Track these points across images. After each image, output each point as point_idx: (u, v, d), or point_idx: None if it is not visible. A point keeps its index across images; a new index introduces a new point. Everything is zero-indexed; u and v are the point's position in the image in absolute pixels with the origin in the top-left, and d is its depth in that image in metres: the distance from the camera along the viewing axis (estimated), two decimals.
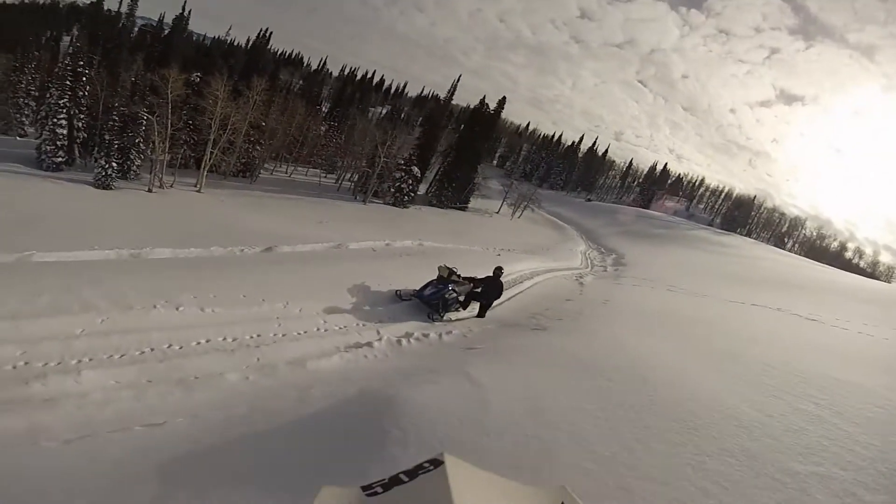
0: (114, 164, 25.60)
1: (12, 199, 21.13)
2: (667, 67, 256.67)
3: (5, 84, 42.73)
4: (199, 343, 7.14)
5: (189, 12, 49.01)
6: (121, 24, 45.48)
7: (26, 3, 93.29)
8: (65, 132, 27.72)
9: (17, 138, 36.38)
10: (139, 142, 27.40)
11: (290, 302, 8.99)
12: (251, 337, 7.63)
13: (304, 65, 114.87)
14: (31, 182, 24.74)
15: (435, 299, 9.63)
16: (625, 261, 34.64)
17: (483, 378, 5.24)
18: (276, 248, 15.51)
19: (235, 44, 57.20)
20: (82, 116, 29.29)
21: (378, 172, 36.89)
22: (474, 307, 10.69)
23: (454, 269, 10.41)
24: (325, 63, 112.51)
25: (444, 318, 9.87)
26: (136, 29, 54.53)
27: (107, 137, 25.80)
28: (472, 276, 10.79)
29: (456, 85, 50.02)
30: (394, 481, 1.12)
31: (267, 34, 55.79)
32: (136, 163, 27.57)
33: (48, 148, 27.43)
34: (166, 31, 50.07)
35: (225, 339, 7.40)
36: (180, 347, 6.93)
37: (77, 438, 4.44)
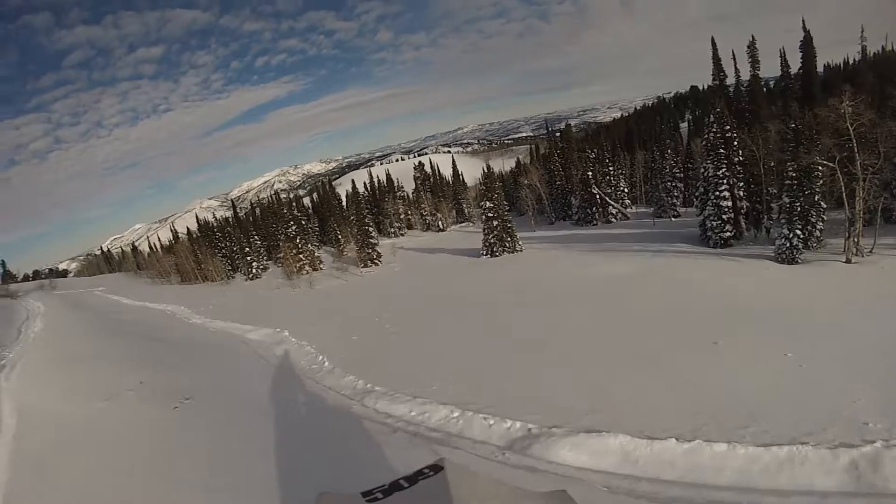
0: (797, 232, 21.15)
1: (700, 285, 20.26)
2: None
3: (651, 174, 49.88)
4: None
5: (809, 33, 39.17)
6: (744, 91, 42.47)
7: (642, 109, 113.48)
8: (729, 204, 26.21)
9: (672, 219, 39.56)
10: (818, 200, 22.01)
11: None
12: None
13: None
14: (709, 261, 23.87)
15: None
16: None
17: None
18: None
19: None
20: (741, 185, 27.20)
21: None
22: None
23: None
24: None
25: None
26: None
27: (786, 199, 21.80)
28: None
29: None
30: (394, 487, 1.08)
31: None
32: (818, 226, 22.17)
33: (713, 223, 26.62)
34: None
35: None
36: None
37: None
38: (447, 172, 72.42)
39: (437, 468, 1.15)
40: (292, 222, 46.30)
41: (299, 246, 44.33)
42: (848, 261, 20.23)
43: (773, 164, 26.89)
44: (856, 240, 20.52)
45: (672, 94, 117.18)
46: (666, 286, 20.12)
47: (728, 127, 27.13)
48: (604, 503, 6.73)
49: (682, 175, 42.78)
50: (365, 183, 67.00)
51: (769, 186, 27.25)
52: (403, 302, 26.56)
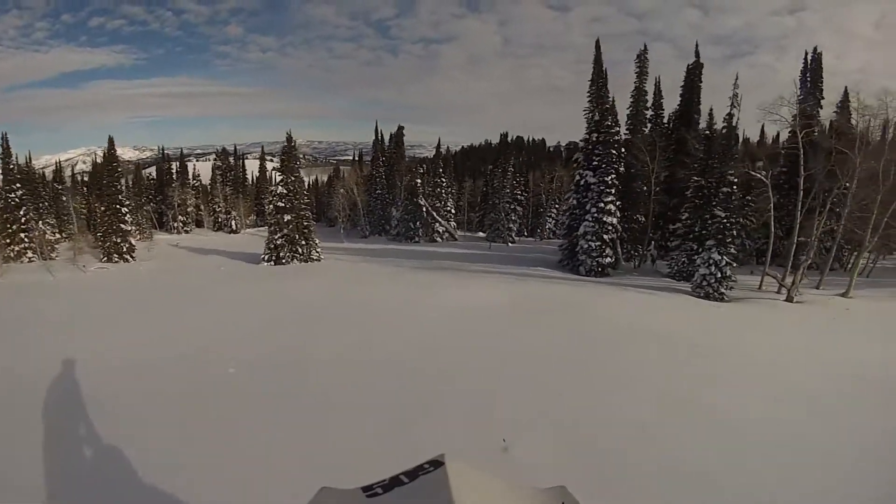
0: (729, 259, 14.51)
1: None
2: None
3: (483, 198, 44.22)
4: None
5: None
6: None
7: (475, 146, 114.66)
8: (614, 221, 19.29)
9: (509, 244, 32.97)
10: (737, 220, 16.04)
11: None
12: None
13: None
14: (627, 296, 15.64)
15: None
16: None
17: None
18: None
19: None
20: (618, 203, 20.74)
21: None
22: None
23: None
24: None
25: None
26: None
27: (720, 214, 15.20)
28: None
29: None
30: (394, 482, 1.04)
31: None
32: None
33: (591, 245, 19.34)
34: None
35: None
36: None
37: None
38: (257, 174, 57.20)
39: (437, 463, 1.04)
40: (18, 185, 27.40)
41: (21, 221, 26.00)
42: (790, 300, 14.22)
43: (665, 175, 21.15)
44: (802, 275, 14.68)
45: (499, 140, 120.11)
46: (617, 344, 10.57)
47: (617, 129, 20.73)
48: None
49: (522, 198, 37.02)
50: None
51: (644, 211, 21.52)
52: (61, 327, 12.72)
